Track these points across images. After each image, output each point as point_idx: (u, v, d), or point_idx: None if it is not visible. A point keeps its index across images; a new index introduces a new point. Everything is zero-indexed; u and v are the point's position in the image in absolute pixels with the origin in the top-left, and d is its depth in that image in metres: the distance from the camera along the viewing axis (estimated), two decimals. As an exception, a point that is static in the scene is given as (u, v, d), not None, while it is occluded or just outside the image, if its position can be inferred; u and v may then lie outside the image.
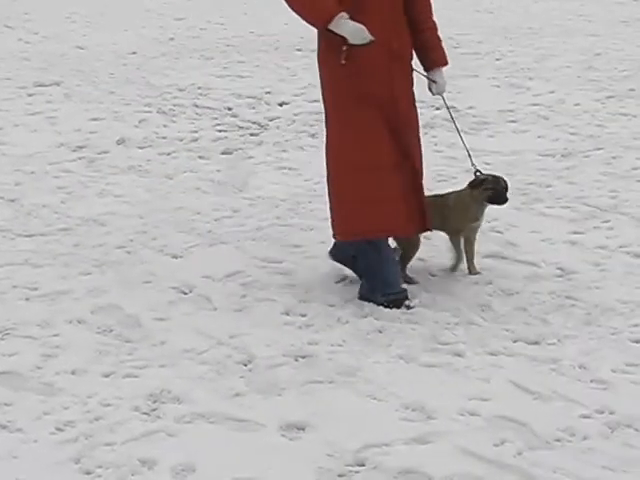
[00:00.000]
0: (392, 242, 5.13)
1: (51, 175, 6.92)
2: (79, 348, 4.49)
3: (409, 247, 5.15)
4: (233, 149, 7.64)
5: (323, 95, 4.94)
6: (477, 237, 5.26)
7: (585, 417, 3.89)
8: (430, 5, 4.94)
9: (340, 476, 3.58)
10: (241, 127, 8.20)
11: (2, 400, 4.05)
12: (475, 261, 5.25)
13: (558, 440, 3.75)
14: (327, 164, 4.96)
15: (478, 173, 5.06)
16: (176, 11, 12.75)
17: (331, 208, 4.97)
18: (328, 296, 5.00)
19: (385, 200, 4.81)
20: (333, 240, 5.09)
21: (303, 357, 4.41)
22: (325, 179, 5.01)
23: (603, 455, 3.64)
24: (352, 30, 4.62)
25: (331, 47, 4.72)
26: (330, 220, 5.00)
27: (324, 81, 4.89)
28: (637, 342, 4.52)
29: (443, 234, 5.27)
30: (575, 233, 5.81)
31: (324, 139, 4.99)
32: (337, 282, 5.18)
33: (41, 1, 13.06)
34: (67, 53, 10.46)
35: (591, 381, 4.17)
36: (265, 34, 11.96)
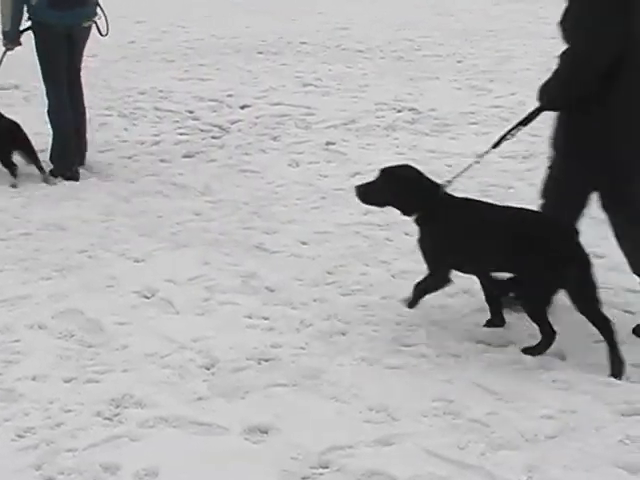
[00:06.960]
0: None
1: (11, 179, 6.85)
2: (40, 353, 4.44)
3: None
4: (195, 152, 7.61)
5: None
6: None
7: (548, 417, 3.91)
8: None
9: (304, 479, 3.57)
10: (203, 130, 8.19)
11: (-38, 407, 4.01)
12: None
13: (521, 440, 3.77)
14: None
15: None
16: (137, 14, 12.68)
17: None
18: (291, 299, 4.99)
19: None
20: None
21: (266, 360, 4.39)
22: None
23: (565, 455, 3.67)
24: None
25: None
26: None
27: None
28: (597, 342, 4.55)
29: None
30: (536, 234, 5.82)
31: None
32: (300, 284, 5.17)
33: None
34: (26, 56, 10.36)
35: (553, 381, 4.20)
36: (227, 36, 11.95)
